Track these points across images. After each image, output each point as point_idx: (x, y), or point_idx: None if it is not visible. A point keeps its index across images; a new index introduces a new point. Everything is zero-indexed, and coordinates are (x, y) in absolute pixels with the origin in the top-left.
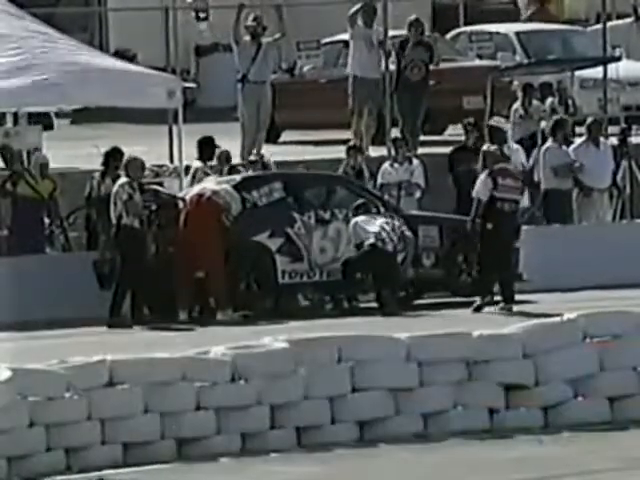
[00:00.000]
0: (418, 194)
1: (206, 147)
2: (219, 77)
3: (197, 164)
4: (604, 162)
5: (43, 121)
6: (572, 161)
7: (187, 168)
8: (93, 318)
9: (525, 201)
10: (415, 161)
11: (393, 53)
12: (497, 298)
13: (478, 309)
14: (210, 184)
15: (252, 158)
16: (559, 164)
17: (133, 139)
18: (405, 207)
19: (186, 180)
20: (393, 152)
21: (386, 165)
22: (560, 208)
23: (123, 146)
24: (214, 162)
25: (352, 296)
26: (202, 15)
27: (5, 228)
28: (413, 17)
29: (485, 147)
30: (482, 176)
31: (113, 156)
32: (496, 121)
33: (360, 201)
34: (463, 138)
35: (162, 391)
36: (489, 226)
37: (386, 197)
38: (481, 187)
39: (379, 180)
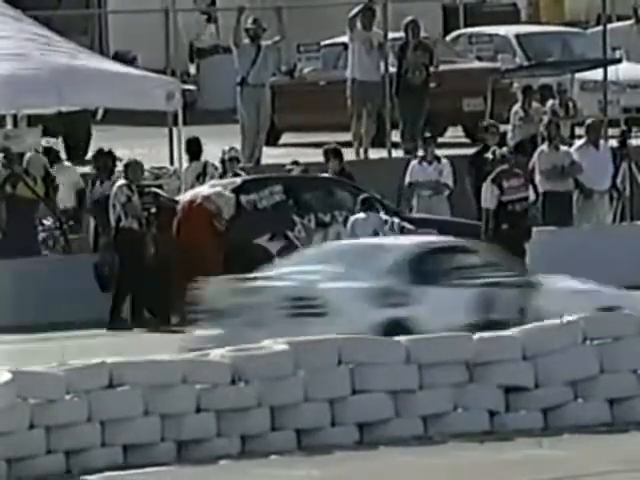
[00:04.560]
0: (447, 193)
1: (194, 147)
2: (219, 79)
3: (201, 162)
4: (604, 164)
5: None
6: (569, 162)
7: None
8: (93, 320)
9: (532, 195)
10: (444, 161)
11: (391, 55)
12: None
13: None
14: (203, 189)
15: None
16: (547, 168)
17: (133, 141)
18: (434, 206)
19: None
20: (422, 151)
21: (414, 163)
22: (557, 210)
23: (124, 148)
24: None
25: None
26: (202, 17)
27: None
28: (409, 18)
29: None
30: (486, 184)
31: (98, 158)
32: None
33: (365, 195)
34: (465, 141)
35: (162, 393)
36: (504, 227)
37: (414, 197)
38: (488, 196)
39: (407, 178)
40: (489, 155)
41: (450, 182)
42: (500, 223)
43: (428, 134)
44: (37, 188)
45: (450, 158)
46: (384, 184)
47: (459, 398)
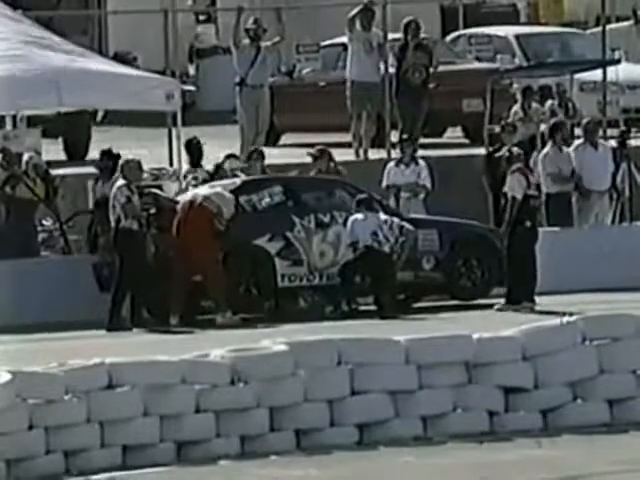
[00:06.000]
0: (423, 195)
1: (194, 148)
2: (218, 80)
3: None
4: (602, 164)
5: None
6: (572, 167)
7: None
8: (93, 321)
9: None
10: (421, 162)
11: (391, 56)
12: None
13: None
14: (202, 189)
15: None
16: (552, 171)
17: (133, 142)
18: (412, 208)
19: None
20: (399, 153)
21: (392, 165)
22: (558, 211)
23: (123, 149)
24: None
25: (351, 299)
26: (202, 18)
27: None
28: (409, 19)
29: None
30: (512, 175)
31: (102, 159)
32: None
33: (362, 195)
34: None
35: (162, 394)
36: (528, 224)
37: (392, 199)
38: (516, 186)
39: (384, 181)
40: (504, 153)
41: (428, 184)
42: (522, 218)
43: (405, 136)
44: (37, 189)
45: (451, 159)
46: None
47: (459, 398)
